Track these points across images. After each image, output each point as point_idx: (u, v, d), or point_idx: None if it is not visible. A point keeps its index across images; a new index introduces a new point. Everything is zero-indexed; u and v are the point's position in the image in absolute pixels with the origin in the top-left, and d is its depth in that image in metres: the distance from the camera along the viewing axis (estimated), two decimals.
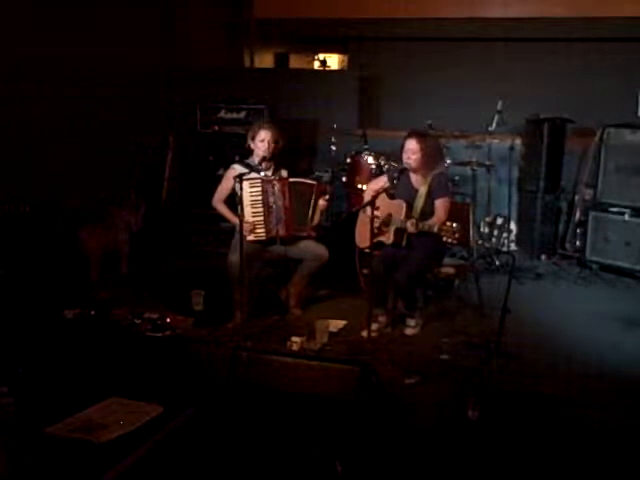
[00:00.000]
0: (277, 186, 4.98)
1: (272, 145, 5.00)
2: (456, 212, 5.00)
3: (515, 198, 7.02)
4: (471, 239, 5.47)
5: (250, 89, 7.24)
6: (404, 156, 4.81)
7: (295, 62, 9.68)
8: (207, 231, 6.75)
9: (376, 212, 4.53)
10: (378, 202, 4.58)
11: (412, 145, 4.78)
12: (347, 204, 6.69)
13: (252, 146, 5.06)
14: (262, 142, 4.99)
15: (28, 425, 3.12)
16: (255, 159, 5.05)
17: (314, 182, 5.17)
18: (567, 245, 6.78)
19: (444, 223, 4.47)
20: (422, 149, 4.77)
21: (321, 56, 8.90)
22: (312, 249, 5.03)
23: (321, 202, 5.03)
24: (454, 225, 4.36)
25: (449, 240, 4.39)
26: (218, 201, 5.10)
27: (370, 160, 6.38)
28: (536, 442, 3.42)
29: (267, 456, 3.00)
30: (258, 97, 7.05)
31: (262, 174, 5.01)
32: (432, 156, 4.87)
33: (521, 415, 3.69)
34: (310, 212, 5.01)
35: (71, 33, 5.88)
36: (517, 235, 7.05)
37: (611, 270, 6.22)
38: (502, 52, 7.34)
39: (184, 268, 6.18)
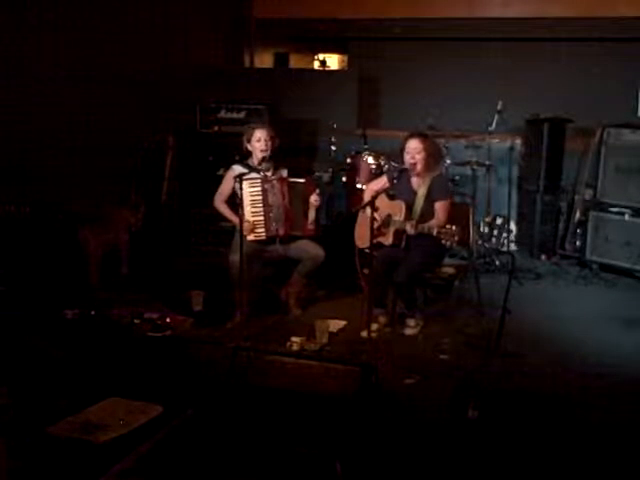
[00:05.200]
0: (276, 186, 4.99)
1: (269, 143, 5.00)
2: (456, 212, 5.00)
3: (515, 198, 7.02)
4: (471, 239, 5.47)
5: (250, 89, 7.25)
6: (407, 157, 4.80)
7: (295, 62, 9.67)
8: (207, 231, 6.75)
9: (375, 213, 4.53)
10: (378, 202, 4.58)
11: (415, 145, 4.78)
12: (347, 204, 6.70)
13: (249, 148, 5.07)
14: (259, 142, 5.00)
15: (28, 425, 3.12)
16: (255, 160, 5.06)
17: (302, 180, 5.17)
18: (567, 245, 6.77)
19: (444, 226, 4.47)
20: (425, 148, 4.79)
21: (321, 56, 8.90)
22: (309, 249, 5.03)
23: (312, 198, 5.02)
24: (454, 228, 4.37)
25: (449, 243, 4.39)
26: (219, 202, 5.11)
27: (370, 160, 6.38)
28: (536, 442, 3.42)
29: (267, 456, 3.00)
30: (258, 97, 7.05)
31: (262, 174, 5.02)
32: (433, 157, 4.89)
33: (521, 415, 3.69)
34: (305, 210, 5.02)
35: (71, 33, 5.88)
36: (517, 235, 7.05)
37: (611, 270, 6.22)
38: (502, 52, 7.33)
39: (184, 268, 6.19)
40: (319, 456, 2.99)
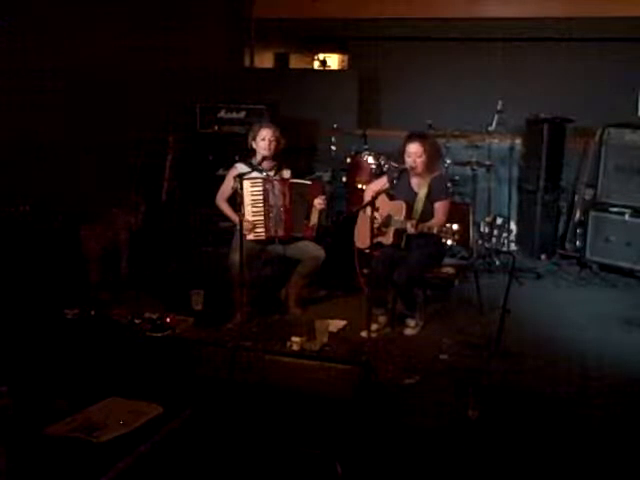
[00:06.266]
0: (278, 186, 4.99)
1: (273, 143, 5.00)
2: (456, 212, 5.01)
3: (515, 198, 7.02)
4: (471, 239, 5.47)
5: (250, 89, 7.24)
6: (408, 160, 4.79)
7: (295, 62, 9.68)
8: (207, 231, 6.75)
9: (376, 213, 4.53)
10: (378, 203, 4.58)
11: (415, 148, 4.77)
12: (347, 204, 6.70)
13: (254, 146, 5.06)
14: (263, 141, 4.99)
15: (28, 425, 3.11)
16: (258, 158, 5.05)
17: (309, 182, 5.17)
18: (567, 245, 6.77)
19: (444, 224, 4.46)
20: (426, 150, 4.77)
21: (321, 56, 8.93)
22: (309, 250, 5.03)
23: (316, 202, 5.00)
24: (454, 227, 4.36)
25: (449, 241, 4.39)
26: (221, 200, 5.11)
27: (370, 160, 6.38)
28: (536, 442, 3.42)
29: (267, 456, 3.00)
30: (258, 97, 7.05)
31: (264, 174, 5.02)
32: (433, 157, 4.89)
33: (521, 415, 3.69)
34: (307, 213, 5.01)
35: (71, 33, 5.88)
36: (517, 235, 7.05)
37: (611, 270, 6.21)
38: (502, 52, 7.34)
39: (184, 268, 6.18)
40: (319, 456, 2.98)
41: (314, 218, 5.04)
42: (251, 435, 3.13)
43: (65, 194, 5.66)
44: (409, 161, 4.78)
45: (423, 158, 4.76)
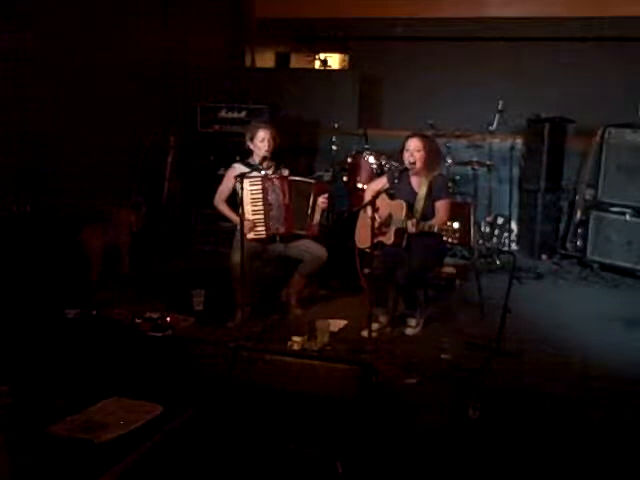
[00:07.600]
0: (277, 184, 4.99)
1: (272, 143, 5.00)
2: (457, 212, 5.00)
3: (516, 198, 7.02)
4: (472, 239, 5.47)
5: (251, 89, 7.25)
6: (406, 155, 4.80)
7: (296, 62, 9.66)
8: (207, 231, 6.75)
9: (376, 212, 4.53)
10: (378, 202, 4.58)
11: (415, 144, 4.78)
12: (348, 204, 6.70)
13: (251, 147, 5.07)
14: (262, 142, 4.99)
15: (28, 425, 3.12)
16: (256, 159, 5.06)
17: (312, 181, 5.17)
18: (568, 245, 6.77)
19: (445, 223, 4.46)
20: (425, 146, 4.78)
21: (322, 56, 8.89)
22: (311, 249, 5.03)
23: (320, 200, 5.02)
24: (455, 225, 4.36)
25: (450, 240, 4.39)
26: (219, 201, 5.11)
27: (371, 160, 6.38)
28: (536, 442, 3.42)
29: (267, 456, 3.00)
30: (259, 97, 7.05)
31: (263, 173, 5.02)
32: (433, 156, 4.89)
33: (521, 415, 3.69)
34: (309, 211, 5.01)
35: (71, 33, 5.88)
36: (518, 235, 7.06)
37: (612, 270, 6.22)
38: (502, 52, 7.33)
39: (184, 268, 6.19)
40: (320, 456, 2.98)
41: (317, 216, 5.05)
42: (252, 435, 3.13)
43: (66, 194, 5.67)
44: (407, 156, 4.79)
45: (422, 153, 4.77)
